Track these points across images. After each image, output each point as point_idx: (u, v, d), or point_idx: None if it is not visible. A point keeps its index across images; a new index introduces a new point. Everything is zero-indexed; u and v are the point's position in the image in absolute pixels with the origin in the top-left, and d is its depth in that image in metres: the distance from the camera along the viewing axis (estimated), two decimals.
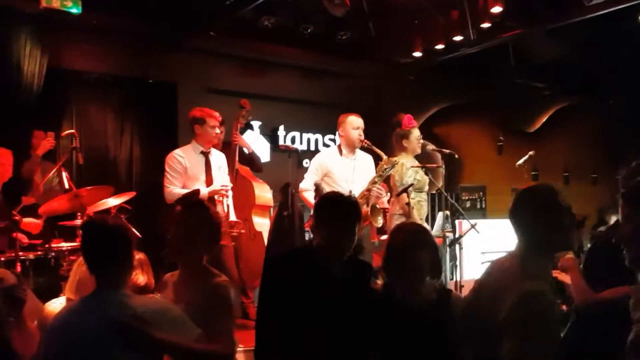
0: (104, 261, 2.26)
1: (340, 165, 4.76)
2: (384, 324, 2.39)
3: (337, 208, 2.57)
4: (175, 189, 4.49)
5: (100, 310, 2.14)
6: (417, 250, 2.44)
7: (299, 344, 2.41)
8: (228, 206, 4.69)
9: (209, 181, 4.62)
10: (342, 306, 2.45)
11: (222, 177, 4.77)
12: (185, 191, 4.50)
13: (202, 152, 4.66)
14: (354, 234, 2.55)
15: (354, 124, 4.76)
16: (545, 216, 2.11)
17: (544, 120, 10.20)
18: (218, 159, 4.81)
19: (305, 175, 4.88)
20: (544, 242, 2.12)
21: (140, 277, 2.92)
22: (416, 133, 4.96)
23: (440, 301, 2.45)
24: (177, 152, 4.62)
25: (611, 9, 6.10)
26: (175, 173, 4.52)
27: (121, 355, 2.07)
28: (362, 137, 4.74)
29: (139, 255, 2.96)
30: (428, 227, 4.90)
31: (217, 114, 4.73)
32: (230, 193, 4.71)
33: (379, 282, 2.81)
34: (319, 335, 2.39)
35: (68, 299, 3.06)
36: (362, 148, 4.86)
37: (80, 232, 2.34)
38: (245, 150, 5.27)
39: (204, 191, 4.52)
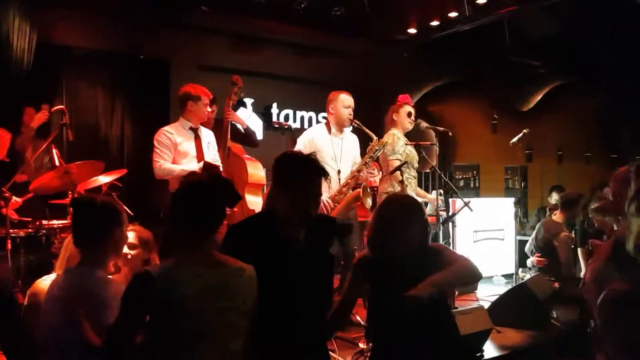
0: (86, 239, 2.33)
1: (329, 144, 4.69)
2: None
3: (299, 167, 2.40)
4: (165, 163, 4.43)
5: (70, 285, 2.25)
6: (409, 224, 2.43)
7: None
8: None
9: (199, 157, 4.58)
10: (310, 270, 2.38)
11: (211, 153, 4.73)
12: (175, 166, 4.44)
13: (191, 128, 4.61)
14: (319, 192, 2.43)
15: (345, 102, 4.69)
16: None
17: (538, 99, 10.18)
18: (207, 135, 4.77)
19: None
20: None
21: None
22: (407, 109, 4.95)
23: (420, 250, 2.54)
24: (166, 129, 4.58)
25: None
26: (164, 148, 4.47)
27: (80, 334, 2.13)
28: (352, 116, 4.70)
29: (143, 234, 2.97)
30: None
31: (209, 92, 4.68)
32: (220, 168, 4.67)
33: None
34: (286, 301, 2.32)
35: (58, 276, 3.06)
36: (352, 127, 4.81)
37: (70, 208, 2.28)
38: (240, 127, 5.20)
39: (195, 166, 4.48)
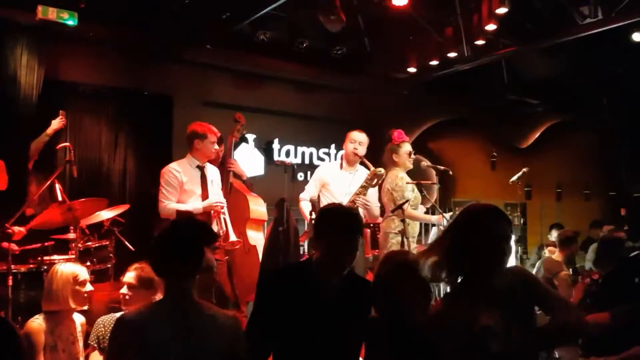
0: None
1: (338, 178, 4.88)
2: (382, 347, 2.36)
3: (338, 221, 2.46)
4: (170, 203, 4.48)
5: None
6: (407, 283, 2.38)
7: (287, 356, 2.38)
8: (226, 222, 4.67)
9: (204, 195, 4.61)
10: (339, 325, 2.40)
11: (214, 190, 4.77)
12: (180, 206, 4.48)
13: (198, 167, 4.65)
14: (356, 248, 2.45)
15: (352, 137, 4.90)
16: None
17: (536, 136, 10.27)
18: (212, 173, 4.82)
19: (306, 186, 5.06)
20: None
21: None
22: (406, 148, 4.98)
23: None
24: (173, 166, 4.61)
25: (604, 28, 6.18)
26: (171, 188, 4.51)
27: None
28: (358, 151, 4.79)
29: (144, 274, 3.02)
30: (415, 245, 4.90)
31: (216, 130, 4.75)
32: (225, 210, 4.70)
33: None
34: (311, 352, 2.36)
35: (46, 312, 3.04)
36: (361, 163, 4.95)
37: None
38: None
39: (199, 205, 4.51)
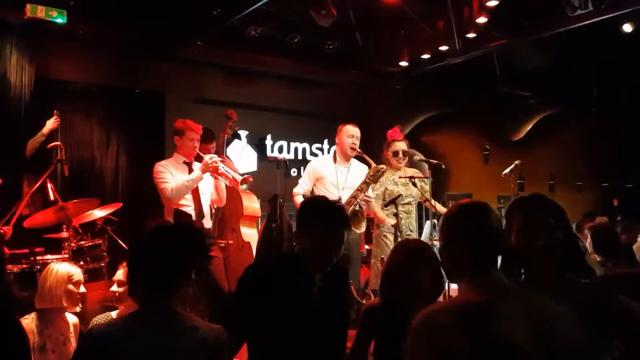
0: None
1: (332, 172, 4.84)
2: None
3: (324, 214, 2.42)
4: (169, 184, 4.43)
5: None
6: (418, 269, 2.38)
7: (268, 351, 2.34)
8: (227, 172, 4.61)
9: (195, 192, 4.59)
10: (324, 317, 2.39)
11: (205, 186, 4.73)
12: (183, 180, 4.44)
13: (184, 162, 4.63)
14: (342, 241, 2.42)
15: (349, 132, 4.86)
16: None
17: (528, 128, 10.30)
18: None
19: (300, 180, 4.99)
20: None
21: None
22: (394, 147, 5.00)
23: None
24: (161, 163, 4.61)
25: (594, 20, 6.19)
26: (165, 174, 4.49)
27: None
28: (356, 146, 4.79)
29: None
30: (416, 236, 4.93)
31: (198, 127, 4.65)
32: (220, 164, 4.64)
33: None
34: (295, 347, 2.32)
35: (38, 310, 3.03)
36: (356, 157, 4.92)
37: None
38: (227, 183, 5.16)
39: (197, 172, 4.47)
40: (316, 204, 2.58)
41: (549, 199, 2.09)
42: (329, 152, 8.02)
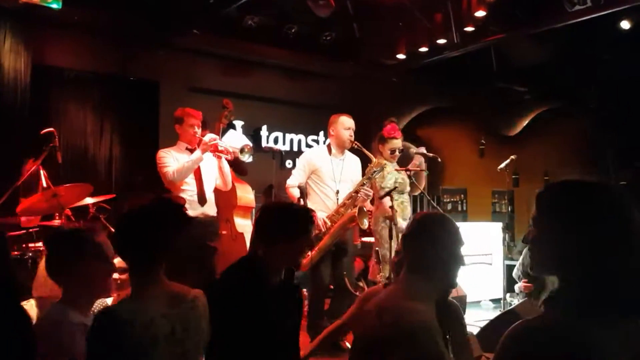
0: (56, 274, 2.22)
1: (328, 164, 4.75)
2: None
3: (290, 220, 2.40)
4: (171, 167, 4.42)
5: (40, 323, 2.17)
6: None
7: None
8: (228, 147, 4.64)
9: (197, 174, 4.57)
10: (285, 316, 2.41)
11: (207, 169, 4.71)
12: (185, 162, 4.43)
13: (187, 149, 4.63)
14: (310, 246, 2.45)
15: (346, 124, 4.76)
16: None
17: (524, 124, 10.30)
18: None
19: (293, 172, 4.86)
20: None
21: None
22: (391, 144, 4.87)
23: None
24: (163, 149, 4.62)
25: (592, 16, 6.18)
26: (168, 158, 4.49)
27: None
28: (353, 138, 4.74)
29: None
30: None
31: (197, 113, 4.66)
32: (217, 137, 4.65)
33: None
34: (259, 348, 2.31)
35: (37, 298, 3.02)
36: (352, 149, 4.86)
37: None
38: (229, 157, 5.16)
39: (198, 153, 4.46)
40: (284, 210, 2.50)
41: None
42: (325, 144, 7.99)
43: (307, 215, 2.46)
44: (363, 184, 4.60)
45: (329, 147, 4.89)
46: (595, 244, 1.35)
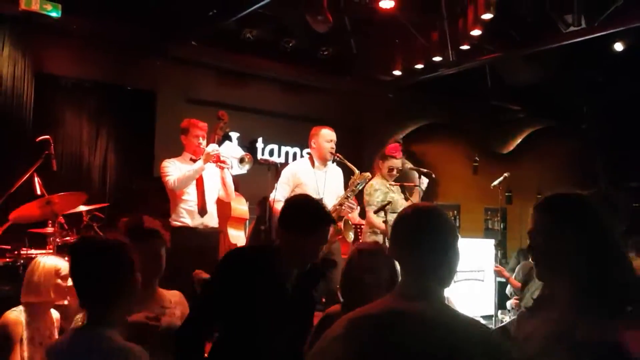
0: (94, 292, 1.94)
1: (312, 177, 4.76)
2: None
3: (309, 212, 2.41)
4: (173, 176, 4.47)
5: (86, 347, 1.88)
6: (373, 273, 2.42)
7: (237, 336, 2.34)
8: (228, 158, 4.73)
9: (199, 185, 4.59)
10: (295, 312, 2.42)
11: (210, 177, 4.73)
12: (186, 171, 4.47)
13: (191, 159, 4.66)
14: (326, 239, 2.45)
15: (327, 137, 4.78)
16: None
17: (518, 142, 10.38)
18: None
19: (277, 186, 4.83)
20: None
21: None
22: (391, 163, 4.91)
23: None
24: (168, 160, 4.67)
25: (586, 37, 6.27)
26: (171, 167, 4.54)
27: None
28: (334, 150, 4.76)
29: None
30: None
31: (203, 124, 4.73)
32: (219, 148, 4.71)
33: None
34: (263, 338, 2.34)
35: (25, 304, 3.00)
36: (334, 161, 4.87)
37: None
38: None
39: (200, 162, 4.50)
40: (300, 202, 2.55)
41: None
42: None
43: (322, 210, 2.47)
44: (347, 197, 4.62)
45: (311, 159, 4.89)
46: (581, 254, 1.57)
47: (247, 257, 2.48)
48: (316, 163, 4.83)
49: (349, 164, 4.70)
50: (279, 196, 4.71)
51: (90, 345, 1.86)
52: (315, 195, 4.63)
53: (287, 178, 4.79)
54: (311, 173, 4.77)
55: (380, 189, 4.82)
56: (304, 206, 2.48)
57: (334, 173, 4.91)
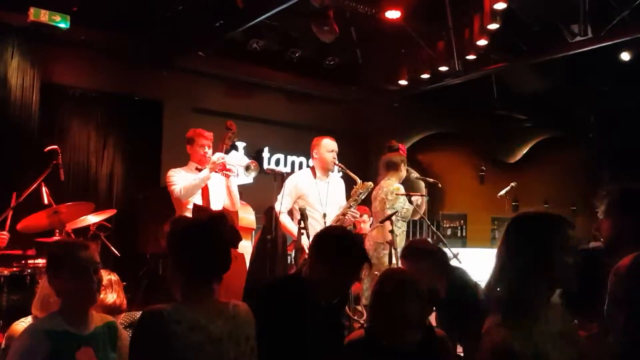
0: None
1: (314, 188, 4.74)
2: None
3: (344, 245, 2.41)
4: (179, 185, 4.47)
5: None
6: (405, 302, 2.31)
7: None
8: (234, 166, 4.72)
9: (204, 194, 4.59)
10: (322, 343, 2.39)
11: (215, 188, 4.73)
12: (192, 180, 4.47)
13: (197, 169, 4.66)
14: (359, 274, 2.45)
15: (329, 147, 4.76)
16: None
17: (524, 151, 10.35)
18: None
19: (279, 197, 4.79)
20: None
21: (109, 297, 2.89)
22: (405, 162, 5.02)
23: (425, 341, 2.33)
24: (173, 169, 4.67)
25: (593, 47, 6.26)
26: (176, 176, 4.54)
27: None
28: (336, 160, 4.75)
29: (109, 276, 2.93)
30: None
31: (208, 134, 4.72)
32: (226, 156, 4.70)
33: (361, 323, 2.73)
34: None
35: (34, 317, 3.00)
36: (339, 170, 4.86)
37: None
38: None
39: (206, 171, 4.50)
40: (339, 234, 2.57)
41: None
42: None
43: (361, 239, 2.52)
44: (350, 206, 4.60)
45: (312, 170, 4.86)
46: (518, 264, 1.86)
47: (282, 291, 2.48)
48: (318, 173, 4.81)
49: (351, 173, 4.69)
50: (282, 209, 4.70)
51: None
52: (317, 205, 4.64)
53: (289, 189, 4.77)
54: (313, 184, 4.75)
55: (391, 199, 4.80)
56: (342, 236, 2.52)
57: (337, 183, 4.90)
